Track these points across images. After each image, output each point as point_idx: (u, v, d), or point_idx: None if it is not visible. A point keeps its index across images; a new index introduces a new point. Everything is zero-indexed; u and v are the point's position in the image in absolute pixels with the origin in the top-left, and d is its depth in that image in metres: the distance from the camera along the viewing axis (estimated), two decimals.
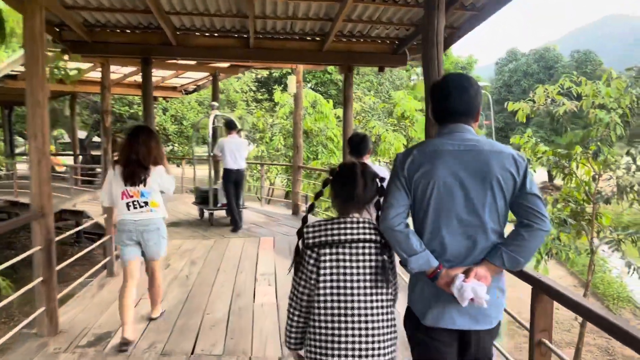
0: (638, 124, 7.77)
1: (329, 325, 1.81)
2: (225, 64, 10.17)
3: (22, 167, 16.26)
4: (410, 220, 1.98)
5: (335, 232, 1.87)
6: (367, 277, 1.84)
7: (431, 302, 1.92)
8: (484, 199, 1.85)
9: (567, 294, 2.00)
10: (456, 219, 1.87)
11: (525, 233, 1.82)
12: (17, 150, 20.38)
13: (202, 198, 8.66)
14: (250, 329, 4.08)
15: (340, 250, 1.85)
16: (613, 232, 7.50)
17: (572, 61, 37.48)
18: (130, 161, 3.79)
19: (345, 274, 1.83)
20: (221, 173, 8.30)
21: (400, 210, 1.90)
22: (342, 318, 1.80)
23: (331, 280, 1.83)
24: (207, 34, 6.71)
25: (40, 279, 3.77)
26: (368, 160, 4.30)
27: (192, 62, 9.79)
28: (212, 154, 8.38)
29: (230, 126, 8.08)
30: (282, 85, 19.48)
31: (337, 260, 1.84)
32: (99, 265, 5.45)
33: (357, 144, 4.09)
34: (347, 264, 1.84)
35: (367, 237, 1.87)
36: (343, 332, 1.79)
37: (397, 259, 1.99)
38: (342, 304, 1.81)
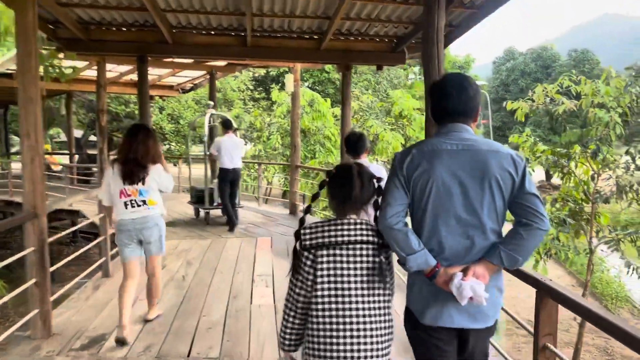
0: (637, 123, 7.72)
1: (327, 326, 1.81)
2: (222, 63, 10.10)
3: (17, 167, 16.14)
4: (408, 219, 1.98)
5: (332, 233, 1.86)
6: (365, 279, 1.84)
7: (429, 301, 1.93)
8: (483, 199, 1.86)
9: (574, 298, 1.95)
10: (454, 218, 1.88)
11: (524, 232, 1.82)
12: (13, 150, 20.23)
13: (198, 197, 8.64)
14: (247, 331, 4.02)
15: (338, 251, 1.84)
16: (612, 231, 7.47)
17: (570, 60, 37.51)
18: (129, 160, 3.79)
19: (342, 275, 1.83)
20: (217, 172, 8.27)
21: (399, 209, 1.91)
22: (340, 319, 1.81)
23: (328, 282, 1.83)
24: (203, 32, 6.65)
25: (34, 280, 3.70)
26: (365, 159, 4.29)
27: (189, 61, 9.73)
28: (208, 152, 8.35)
29: (226, 125, 8.07)
30: (280, 84, 19.40)
31: (334, 262, 1.84)
32: (94, 265, 5.37)
33: (354, 143, 4.10)
34: (345, 265, 1.84)
35: (365, 238, 1.87)
36: (341, 333, 1.79)
37: (394, 259, 1.98)
38: (340, 305, 1.81)
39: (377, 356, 1.82)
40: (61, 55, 7.16)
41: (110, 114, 18.01)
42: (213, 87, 11.11)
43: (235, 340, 3.84)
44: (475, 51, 40.23)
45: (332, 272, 1.83)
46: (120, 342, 3.65)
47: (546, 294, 2.18)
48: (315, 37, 6.87)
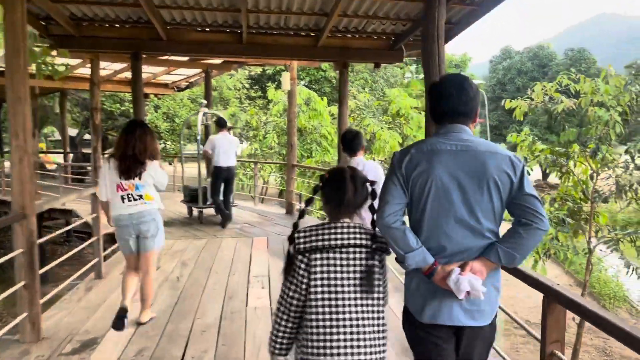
0: (637, 122, 7.67)
1: (320, 330, 1.81)
2: (218, 61, 10.01)
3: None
4: (406, 218, 1.99)
5: (326, 237, 1.87)
6: (358, 282, 1.84)
7: (428, 299, 1.94)
8: (481, 199, 1.87)
9: (584, 304, 1.86)
10: (453, 217, 1.89)
11: (523, 231, 1.84)
12: (7, 149, 20.07)
13: (191, 196, 8.62)
14: (242, 334, 3.93)
15: (331, 255, 1.85)
16: (611, 231, 7.41)
17: (567, 59, 37.50)
18: (127, 156, 3.83)
19: (335, 278, 1.83)
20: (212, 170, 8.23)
21: (397, 208, 1.93)
22: (334, 323, 1.81)
23: (322, 285, 1.83)
24: (198, 29, 6.56)
25: (22, 283, 3.60)
26: (361, 156, 4.31)
27: (184, 59, 9.64)
28: (202, 151, 8.32)
29: (221, 124, 8.06)
30: (276, 83, 19.34)
31: (328, 265, 1.84)
32: (87, 266, 5.27)
33: (350, 141, 4.16)
34: (338, 268, 1.84)
35: (358, 241, 1.87)
36: (335, 337, 1.79)
37: (388, 262, 1.99)
38: (334, 309, 1.81)
39: (374, 358, 1.81)
40: (54, 52, 7.05)
41: (104, 112, 17.90)
42: (209, 86, 11.01)
43: (231, 344, 3.75)
44: (472, 50, 40.21)
45: (325, 275, 1.83)
46: (123, 311, 3.76)
47: (554, 299, 2.09)
48: (312, 34, 6.79)
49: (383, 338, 1.87)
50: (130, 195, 3.87)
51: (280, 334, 1.94)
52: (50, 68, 7.70)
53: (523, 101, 8.11)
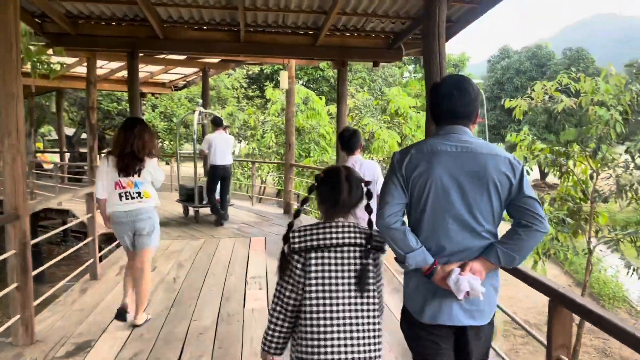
0: (638, 121, 7.62)
1: (315, 329, 1.81)
2: (215, 60, 9.95)
3: None
4: (405, 218, 2.00)
5: (321, 236, 1.87)
6: (353, 281, 1.84)
7: (427, 300, 1.95)
8: (480, 200, 1.88)
9: (593, 309, 1.80)
10: (452, 218, 1.90)
11: (523, 233, 1.85)
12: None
13: (187, 195, 8.60)
14: (240, 336, 3.86)
15: (326, 254, 1.85)
16: (611, 231, 7.37)
17: (565, 59, 37.45)
18: (125, 154, 3.84)
19: (330, 277, 1.84)
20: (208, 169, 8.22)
21: (397, 209, 1.94)
22: (328, 322, 1.81)
23: (316, 284, 1.83)
24: (195, 27, 6.49)
25: (15, 285, 3.52)
26: (359, 155, 4.30)
27: (181, 57, 9.58)
28: (198, 150, 8.30)
29: (216, 122, 8.06)
30: (274, 82, 19.25)
31: (323, 264, 1.84)
32: (82, 267, 5.20)
33: (347, 139, 4.16)
34: (333, 267, 1.84)
35: (353, 240, 1.87)
36: (329, 335, 1.80)
37: (388, 262, 1.96)
38: (328, 307, 1.82)
39: (368, 357, 1.82)
40: (50, 51, 6.98)
41: (102, 111, 17.78)
42: (206, 85, 10.95)
43: (227, 347, 3.68)
44: (470, 49, 40.15)
45: (320, 274, 1.84)
46: (122, 310, 3.87)
47: (560, 303, 2.03)
48: (310, 32, 6.72)
49: (378, 337, 1.87)
50: (127, 193, 3.88)
51: (277, 334, 1.95)
52: (45, 67, 7.64)
53: (523, 100, 8.05)
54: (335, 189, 1.92)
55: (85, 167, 13.80)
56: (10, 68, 3.47)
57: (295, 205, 9.47)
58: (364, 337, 1.81)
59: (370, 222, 1.95)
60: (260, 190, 17.33)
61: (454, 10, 5.53)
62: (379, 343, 1.87)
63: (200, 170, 9.21)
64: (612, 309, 11.98)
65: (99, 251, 5.61)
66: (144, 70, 10.74)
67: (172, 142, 19.31)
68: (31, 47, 6.57)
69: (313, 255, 1.85)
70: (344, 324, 1.81)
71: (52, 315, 4.19)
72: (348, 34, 6.78)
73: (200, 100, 9.20)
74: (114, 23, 6.33)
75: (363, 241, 1.88)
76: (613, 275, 13.29)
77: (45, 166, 17.40)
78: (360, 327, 1.82)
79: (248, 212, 9.49)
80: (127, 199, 3.88)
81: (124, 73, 10.77)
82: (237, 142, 18.84)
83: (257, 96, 20.73)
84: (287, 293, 1.89)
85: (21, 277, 3.54)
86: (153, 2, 5.54)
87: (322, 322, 1.81)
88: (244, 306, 4.52)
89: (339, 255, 1.85)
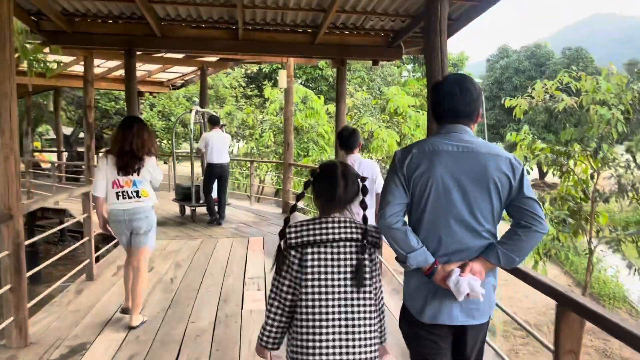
0: (639, 121, 7.57)
1: (310, 324, 1.82)
2: (214, 58, 9.88)
3: None
4: (405, 218, 2.01)
5: (318, 231, 1.87)
6: (349, 276, 1.85)
7: (428, 300, 1.96)
8: (481, 200, 1.89)
9: (603, 314, 1.73)
10: (453, 218, 1.90)
11: (522, 233, 1.86)
12: None
13: (184, 195, 8.57)
14: (237, 338, 3.81)
15: (323, 249, 1.86)
16: (612, 231, 7.32)
17: (564, 58, 37.41)
18: (125, 152, 3.84)
19: (327, 272, 1.84)
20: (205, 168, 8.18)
21: (398, 209, 1.94)
22: (324, 317, 1.82)
23: (312, 279, 1.84)
24: (193, 25, 6.41)
25: (9, 286, 3.46)
26: (358, 154, 4.31)
27: (179, 56, 9.51)
28: (195, 149, 8.26)
29: (213, 121, 8.04)
30: (272, 81, 19.17)
31: (319, 259, 1.85)
32: (77, 268, 5.13)
33: (346, 138, 4.17)
34: (329, 263, 1.85)
35: (349, 235, 1.88)
36: (324, 330, 1.81)
37: (387, 263, 1.94)
38: (324, 302, 1.83)
39: (363, 352, 1.82)
40: (46, 49, 6.90)
41: (99, 110, 17.70)
42: (204, 84, 10.87)
43: (225, 349, 3.63)
44: (469, 48, 40.12)
45: (316, 270, 1.84)
46: (126, 311, 3.97)
47: (568, 307, 1.97)
48: (309, 30, 6.66)
49: (374, 332, 1.87)
50: (125, 192, 3.88)
51: (274, 329, 1.95)
52: (42, 65, 7.56)
53: (523, 99, 8.00)
54: (331, 185, 1.93)
55: (83, 167, 13.75)
56: (4, 66, 3.40)
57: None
58: (359, 332, 1.82)
59: (365, 218, 1.93)
60: (258, 190, 17.27)
61: (455, 7, 5.45)
62: (375, 338, 1.87)
63: (199, 169, 9.13)
64: (612, 309, 11.93)
65: (96, 251, 5.56)
66: (142, 69, 10.66)
67: (170, 142, 19.24)
68: (27, 45, 6.50)
69: (309, 250, 1.85)
70: (340, 319, 1.81)
71: (47, 317, 4.13)
72: (347, 32, 6.71)
73: (197, 100, 9.17)
74: (110, 21, 6.26)
75: (359, 236, 1.88)
76: (613, 275, 13.24)
77: (43, 165, 17.33)
78: (356, 322, 1.82)
79: (246, 212, 9.44)
80: (124, 198, 3.87)
81: (122, 72, 10.72)
82: (236, 141, 18.77)
83: (255, 95, 20.66)
84: (285, 288, 1.90)
85: (15, 278, 3.48)
86: (150, 0, 5.47)
87: (317, 316, 1.82)
88: (242, 307, 4.46)
89: (335, 250, 1.86)
